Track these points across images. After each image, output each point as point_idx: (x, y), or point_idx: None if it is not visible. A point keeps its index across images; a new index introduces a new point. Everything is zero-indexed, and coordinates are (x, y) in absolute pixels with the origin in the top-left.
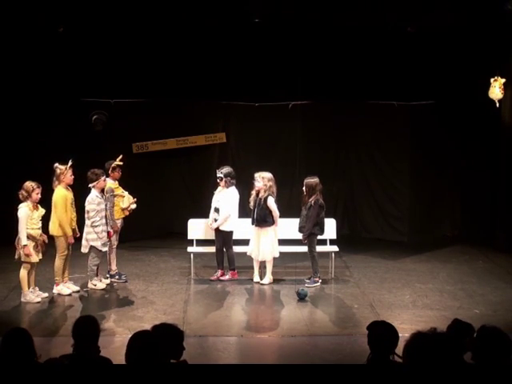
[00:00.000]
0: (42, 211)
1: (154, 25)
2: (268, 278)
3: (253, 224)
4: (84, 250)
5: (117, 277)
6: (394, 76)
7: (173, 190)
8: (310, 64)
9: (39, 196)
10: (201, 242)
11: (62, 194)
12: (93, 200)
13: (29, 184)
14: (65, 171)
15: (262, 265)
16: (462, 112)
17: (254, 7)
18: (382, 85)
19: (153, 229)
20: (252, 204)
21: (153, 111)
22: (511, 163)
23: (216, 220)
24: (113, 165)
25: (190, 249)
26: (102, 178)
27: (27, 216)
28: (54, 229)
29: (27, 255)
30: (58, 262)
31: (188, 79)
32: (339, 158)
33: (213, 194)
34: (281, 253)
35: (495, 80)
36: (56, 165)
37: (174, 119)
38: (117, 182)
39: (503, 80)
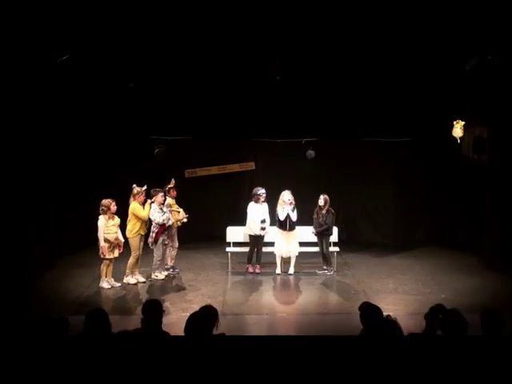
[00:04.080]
0: (117, 220)
1: (199, 83)
2: (293, 270)
3: (285, 229)
4: (152, 246)
5: (171, 270)
6: (379, 117)
7: (215, 205)
8: (318, 109)
9: (115, 207)
10: (236, 244)
11: (137, 205)
12: (153, 211)
13: (106, 201)
14: (140, 193)
15: (284, 260)
16: (431, 146)
17: (275, 70)
18: (371, 125)
19: (200, 234)
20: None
21: (200, 146)
22: (466, 185)
23: (264, 228)
24: (168, 187)
25: (228, 249)
26: (160, 195)
27: (104, 225)
28: (129, 233)
29: (103, 253)
30: (131, 259)
31: (226, 121)
32: (340, 181)
33: (245, 207)
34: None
35: (457, 122)
36: (134, 186)
37: (216, 152)
38: (174, 200)
39: (463, 122)
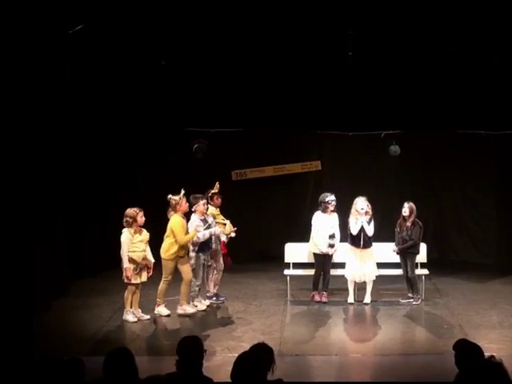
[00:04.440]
0: (145, 235)
1: (251, 58)
2: (369, 298)
3: (358, 246)
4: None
5: (214, 298)
6: (480, 106)
7: (270, 216)
8: (402, 94)
9: (143, 219)
10: (297, 265)
11: (179, 221)
12: (192, 222)
13: (132, 210)
14: (179, 201)
15: (358, 286)
16: None
17: (349, 42)
18: (469, 115)
19: (251, 252)
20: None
21: (251, 140)
22: None
23: (333, 245)
24: (210, 192)
25: (286, 271)
26: (202, 202)
27: (128, 240)
28: (163, 252)
29: (127, 277)
30: (162, 284)
31: (284, 108)
32: (428, 185)
33: (309, 218)
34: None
35: None
36: (170, 196)
37: (272, 148)
38: (218, 209)
39: None
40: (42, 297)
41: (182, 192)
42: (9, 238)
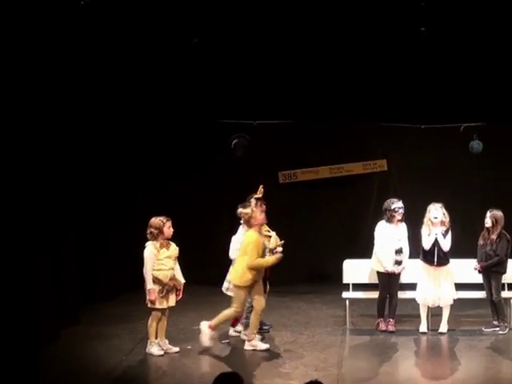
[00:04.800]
0: (174, 250)
1: (303, 37)
2: (446, 326)
3: (432, 264)
4: (225, 290)
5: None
6: None
7: (325, 226)
8: (487, 78)
9: (172, 230)
10: (357, 286)
11: (254, 238)
12: (239, 236)
13: (157, 220)
14: (253, 213)
15: (431, 312)
16: None
17: (419, 16)
18: None
19: (302, 271)
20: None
21: (302, 134)
22: None
23: (400, 262)
24: (252, 198)
25: (345, 294)
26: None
27: (153, 256)
28: (237, 277)
29: (151, 301)
30: (230, 311)
31: (342, 97)
32: None
33: (372, 229)
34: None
35: None
36: (240, 210)
37: (327, 144)
38: None
39: None
40: (49, 325)
41: (253, 201)
42: (9, 253)
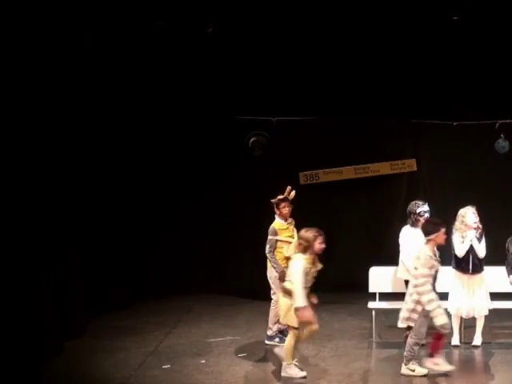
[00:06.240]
0: (317, 267)
1: (329, 28)
2: (480, 339)
3: (466, 272)
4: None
5: (277, 339)
6: None
7: (349, 231)
8: None
9: (323, 246)
10: (384, 296)
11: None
12: (425, 260)
13: (308, 232)
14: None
15: (465, 323)
16: None
17: (452, 6)
18: None
19: (324, 280)
20: None
21: (324, 132)
22: None
23: None
24: (277, 199)
25: (371, 304)
26: (442, 231)
27: (305, 271)
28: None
29: (308, 322)
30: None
31: (368, 92)
32: None
33: (397, 235)
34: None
35: None
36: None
37: (352, 142)
38: (285, 222)
39: None
40: (51, 338)
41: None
42: (9, 262)
